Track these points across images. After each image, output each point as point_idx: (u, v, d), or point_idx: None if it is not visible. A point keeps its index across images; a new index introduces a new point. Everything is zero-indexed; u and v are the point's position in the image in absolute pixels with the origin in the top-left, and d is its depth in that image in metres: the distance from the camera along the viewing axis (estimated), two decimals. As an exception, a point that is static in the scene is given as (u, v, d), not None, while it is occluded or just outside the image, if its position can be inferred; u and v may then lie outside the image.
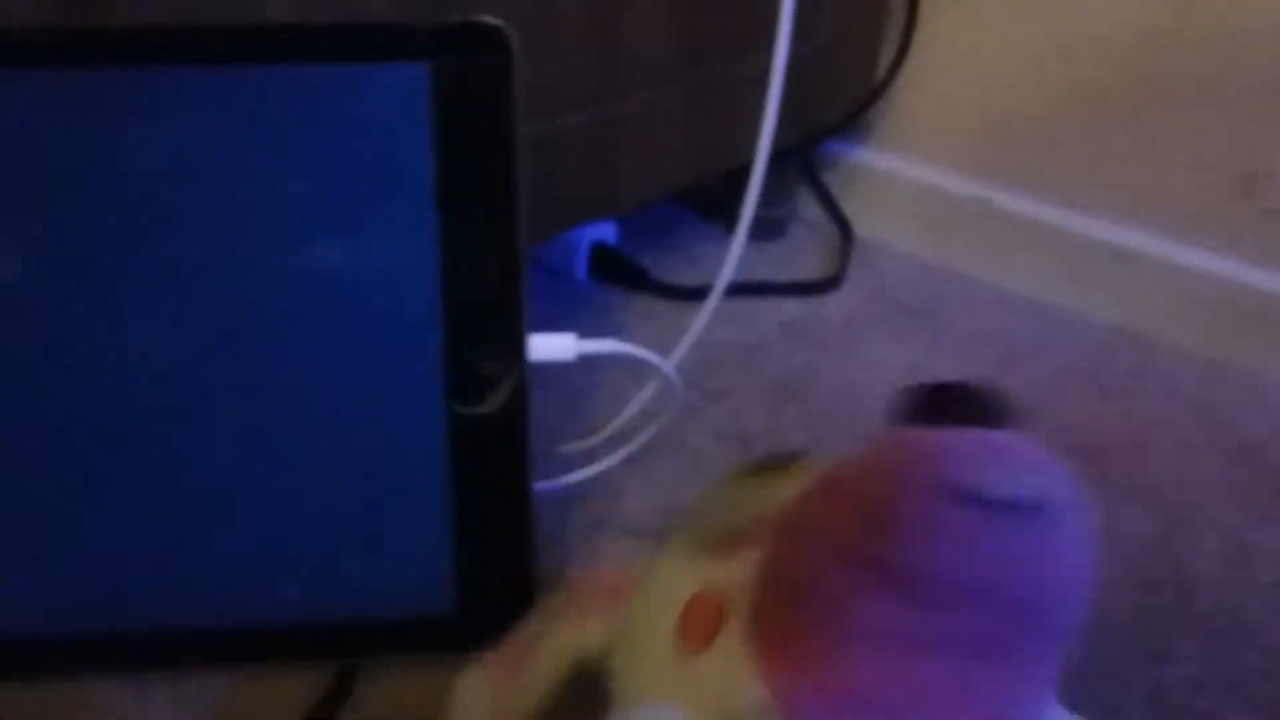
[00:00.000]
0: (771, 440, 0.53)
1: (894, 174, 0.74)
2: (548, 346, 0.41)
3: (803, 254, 0.54)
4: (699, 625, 0.26)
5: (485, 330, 0.39)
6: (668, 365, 0.44)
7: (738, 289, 0.43)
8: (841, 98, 0.57)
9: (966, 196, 0.72)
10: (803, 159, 0.75)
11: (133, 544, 0.39)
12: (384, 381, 0.39)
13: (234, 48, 0.37)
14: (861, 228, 0.75)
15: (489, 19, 0.38)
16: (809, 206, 0.77)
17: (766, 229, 0.74)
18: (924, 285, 0.70)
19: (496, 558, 0.41)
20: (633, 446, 0.50)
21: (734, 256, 0.50)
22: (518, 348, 0.39)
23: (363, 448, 0.39)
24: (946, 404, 0.25)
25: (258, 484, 0.39)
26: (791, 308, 0.65)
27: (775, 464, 0.29)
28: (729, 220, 0.74)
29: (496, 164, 0.38)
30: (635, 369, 0.48)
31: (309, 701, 0.41)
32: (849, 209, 0.75)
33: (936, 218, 0.73)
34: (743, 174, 0.59)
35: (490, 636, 0.38)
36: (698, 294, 0.61)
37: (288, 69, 0.37)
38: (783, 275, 0.68)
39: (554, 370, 0.41)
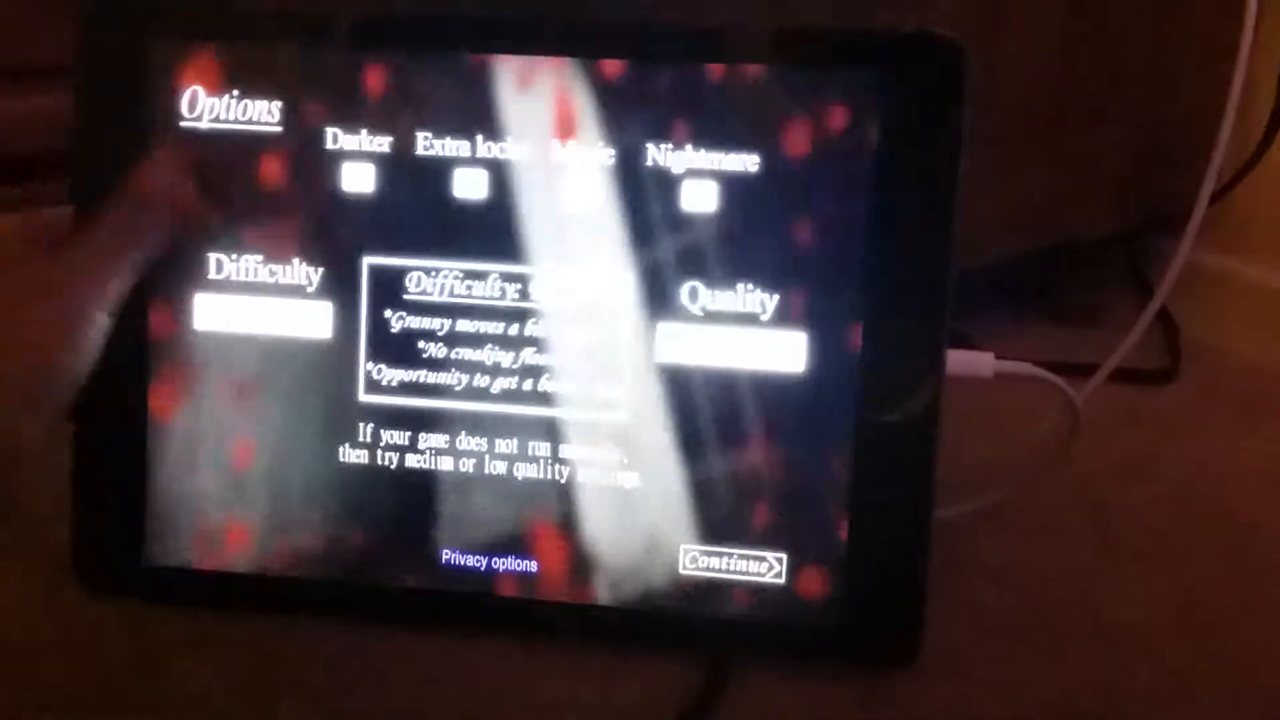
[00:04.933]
0: (1129, 516, 0.52)
1: (1228, 273, 0.71)
2: (965, 361, 0.41)
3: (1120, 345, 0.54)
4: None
5: (906, 336, 0.39)
6: (1079, 398, 0.43)
7: (1069, 368, 0.43)
8: (1190, 184, 0.58)
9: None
10: (1130, 247, 0.74)
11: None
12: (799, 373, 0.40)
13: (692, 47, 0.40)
14: (1185, 324, 0.71)
15: (944, 31, 0.38)
16: (1124, 297, 0.74)
17: (1084, 315, 0.73)
18: (1267, 386, 0.67)
19: (888, 575, 0.40)
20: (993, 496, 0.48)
21: (1146, 318, 0.51)
22: (937, 358, 0.39)
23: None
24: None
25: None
26: (1126, 394, 0.63)
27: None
28: (1045, 303, 0.73)
29: (938, 174, 0.39)
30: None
31: (682, 690, 0.40)
32: (1171, 303, 0.70)
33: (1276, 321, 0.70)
34: (1073, 254, 0.61)
35: (871, 655, 0.41)
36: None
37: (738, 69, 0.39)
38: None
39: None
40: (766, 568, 0.41)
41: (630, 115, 0.40)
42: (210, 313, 0.42)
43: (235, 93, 0.41)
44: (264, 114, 0.41)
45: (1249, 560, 0.49)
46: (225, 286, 0.42)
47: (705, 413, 0.41)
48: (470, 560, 0.42)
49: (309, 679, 0.41)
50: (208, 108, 0.41)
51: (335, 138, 0.41)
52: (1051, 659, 0.43)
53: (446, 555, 0.42)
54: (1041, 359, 0.51)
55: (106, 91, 0.41)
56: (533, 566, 0.42)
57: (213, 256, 0.42)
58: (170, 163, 0.40)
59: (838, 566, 0.40)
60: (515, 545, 0.42)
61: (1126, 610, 0.45)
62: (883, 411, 0.40)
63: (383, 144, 0.41)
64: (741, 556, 0.41)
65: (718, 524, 0.41)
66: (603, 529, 0.41)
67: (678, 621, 0.41)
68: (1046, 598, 0.46)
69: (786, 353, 0.40)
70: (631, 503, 0.41)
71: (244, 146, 0.41)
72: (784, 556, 0.41)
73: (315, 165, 0.41)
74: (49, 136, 0.47)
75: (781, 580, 0.41)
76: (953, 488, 0.45)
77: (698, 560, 0.41)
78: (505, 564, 0.42)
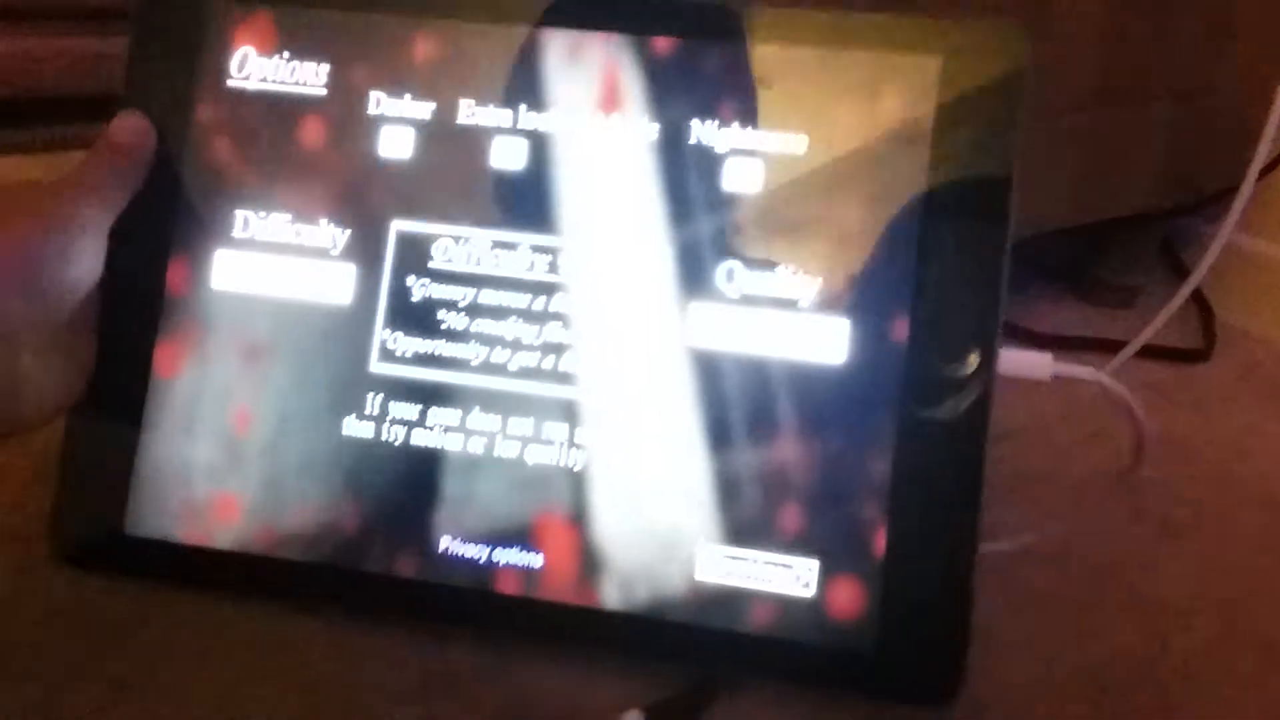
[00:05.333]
0: (1163, 492, 0.49)
1: (1263, 257, 0.70)
2: (1020, 361, 0.38)
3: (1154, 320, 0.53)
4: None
5: (956, 330, 0.37)
6: (1141, 412, 0.40)
7: (1100, 345, 0.41)
8: (1227, 167, 0.56)
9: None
10: (1164, 227, 0.73)
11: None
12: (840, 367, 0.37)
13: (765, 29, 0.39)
14: (1219, 307, 0.70)
15: (1005, 19, 0.38)
16: (1157, 279, 0.73)
17: (1116, 296, 0.71)
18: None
19: (927, 595, 0.36)
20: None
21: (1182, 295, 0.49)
22: (988, 354, 0.37)
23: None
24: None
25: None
26: (1157, 372, 0.62)
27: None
28: (1077, 282, 0.72)
29: (993, 163, 0.37)
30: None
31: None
32: (1205, 285, 0.70)
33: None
34: (1108, 233, 0.60)
35: (904, 690, 0.36)
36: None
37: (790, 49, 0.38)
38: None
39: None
40: (794, 577, 0.37)
41: (677, 92, 0.39)
42: (230, 270, 0.40)
43: (285, 55, 0.41)
44: (310, 76, 0.41)
45: (1281, 537, 0.47)
46: (249, 244, 0.41)
47: (736, 402, 0.38)
48: (470, 550, 0.38)
49: (282, 669, 0.37)
50: (257, 68, 0.41)
51: (378, 102, 0.40)
52: (1086, 629, 0.41)
53: (445, 543, 0.39)
54: (1073, 337, 0.49)
55: (160, 46, 0.41)
56: (537, 561, 0.38)
57: (240, 213, 0.41)
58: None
59: (872, 580, 0.36)
60: (520, 537, 0.38)
61: (1161, 584, 0.44)
62: (928, 409, 0.37)
63: (425, 110, 0.40)
64: (767, 563, 0.37)
65: (742, 525, 0.37)
66: (616, 524, 0.38)
67: (691, 634, 0.37)
68: (1081, 570, 0.44)
69: (827, 341, 0.38)
70: (650, 496, 0.38)
71: (287, 107, 0.41)
72: (815, 564, 0.37)
73: (355, 128, 0.40)
74: (89, 78, 0.47)
75: (811, 593, 0.37)
76: (1002, 519, 0.42)
77: (718, 564, 0.37)
78: (507, 557, 0.38)
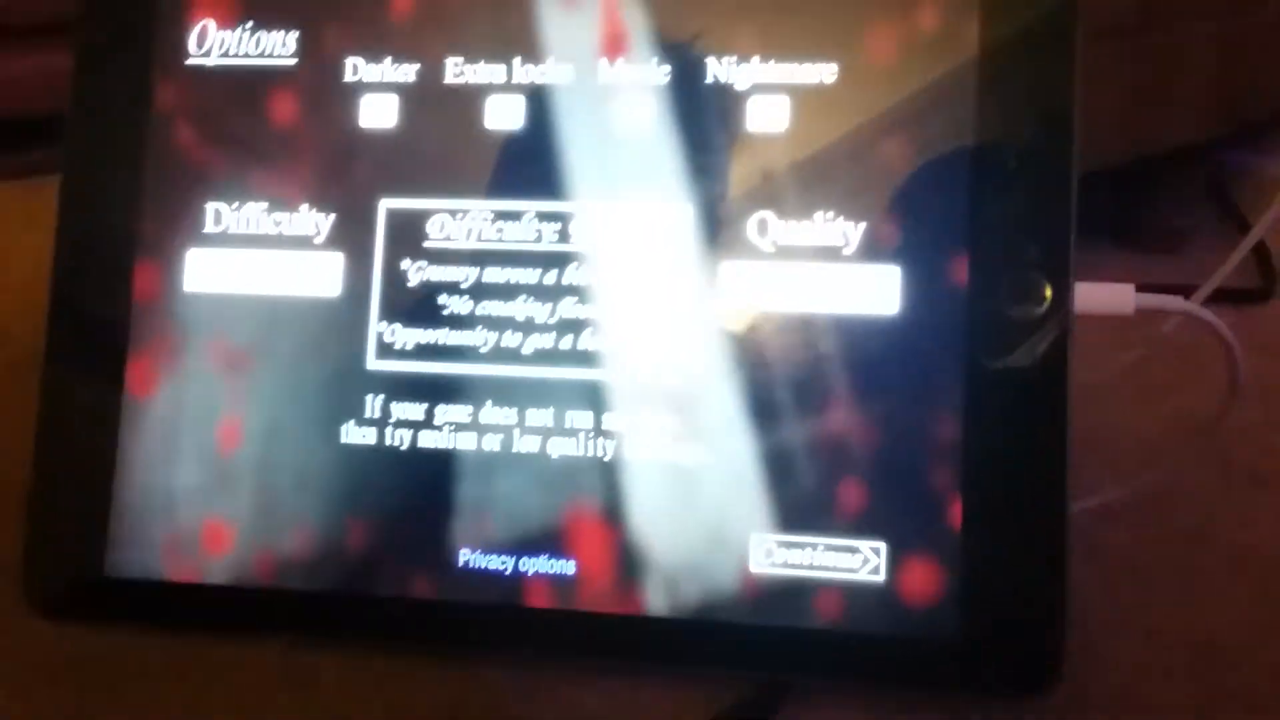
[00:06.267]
0: (1245, 440, 0.44)
1: None
2: (1098, 295, 0.33)
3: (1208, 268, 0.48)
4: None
5: (1023, 265, 0.32)
6: (1235, 344, 0.36)
7: (1154, 290, 0.37)
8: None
9: None
10: (1211, 162, 0.66)
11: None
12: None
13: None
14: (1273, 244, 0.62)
15: None
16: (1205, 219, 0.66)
17: (1163, 241, 0.65)
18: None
19: (1015, 570, 0.32)
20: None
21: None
22: (1062, 288, 0.32)
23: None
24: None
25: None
26: (1221, 316, 0.57)
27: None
28: (1118, 229, 0.65)
29: (1050, 75, 0.33)
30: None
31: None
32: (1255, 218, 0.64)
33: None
34: (1151, 170, 0.56)
35: (996, 679, 0.32)
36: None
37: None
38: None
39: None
40: (861, 561, 0.33)
41: (688, 26, 0.35)
42: (203, 271, 0.36)
43: (249, 24, 0.37)
44: (278, 45, 0.37)
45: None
46: (223, 240, 0.36)
47: (780, 369, 0.33)
48: (494, 562, 0.34)
49: (292, 706, 0.33)
50: (218, 42, 0.37)
51: (355, 68, 0.36)
52: (1186, 596, 0.37)
53: (465, 557, 0.34)
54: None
55: (110, 28, 0.37)
56: (569, 568, 0.34)
57: (210, 206, 0.37)
58: None
59: (950, 559, 0.32)
60: (549, 542, 0.34)
61: (1261, 540, 0.39)
62: (999, 357, 0.32)
63: (408, 73, 0.36)
64: (829, 548, 0.33)
65: (798, 507, 0.33)
66: (656, 517, 0.34)
67: (748, 635, 0.33)
68: (1173, 530, 0.39)
69: (877, 291, 0.33)
70: (692, 484, 0.34)
71: (254, 83, 0.36)
72: (882, 546, 0.32)
73: (332, 100, 0.36)
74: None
75: (880, 578, 0.32)
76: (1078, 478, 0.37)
77: (773, 554, 0.33)
78: (536, 566, 0.34)
